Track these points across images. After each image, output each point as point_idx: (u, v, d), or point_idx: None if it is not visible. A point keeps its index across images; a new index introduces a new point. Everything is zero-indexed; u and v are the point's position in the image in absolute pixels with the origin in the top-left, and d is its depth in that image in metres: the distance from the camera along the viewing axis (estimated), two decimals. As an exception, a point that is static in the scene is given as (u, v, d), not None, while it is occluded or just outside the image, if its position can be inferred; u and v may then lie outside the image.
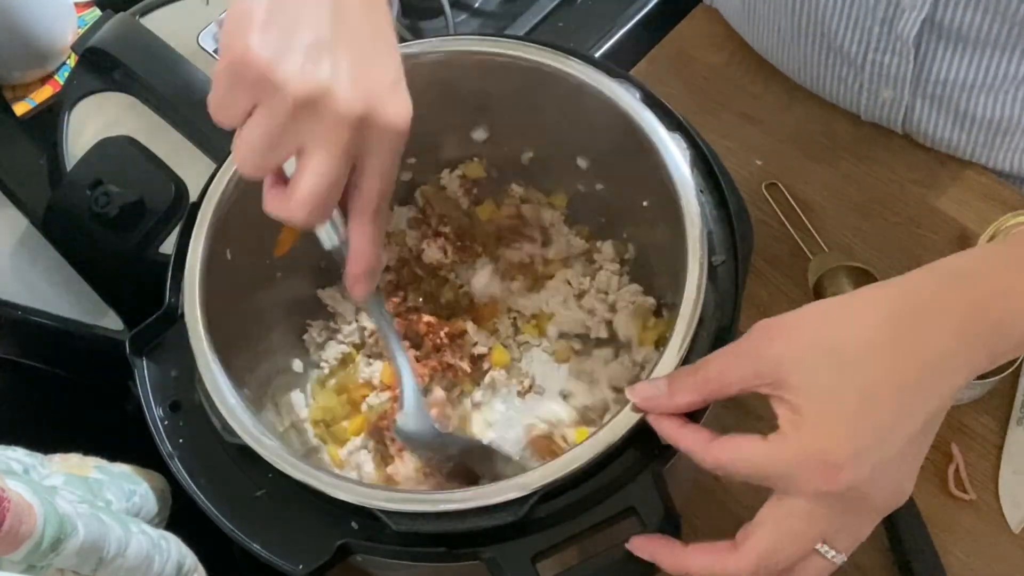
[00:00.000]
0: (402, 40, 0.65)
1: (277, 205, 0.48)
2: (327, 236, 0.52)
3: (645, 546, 0.48)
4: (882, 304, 0.45)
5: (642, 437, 0.50)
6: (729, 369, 0.47)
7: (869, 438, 0.43)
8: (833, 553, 0.46)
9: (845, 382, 0.44)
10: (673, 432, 0.49)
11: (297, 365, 0.70)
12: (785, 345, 0.45)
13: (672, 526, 0.49)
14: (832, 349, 0.44)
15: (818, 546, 0.45)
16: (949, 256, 0.47)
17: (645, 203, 0.66)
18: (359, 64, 0.47)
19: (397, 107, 0.48)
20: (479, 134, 0.70)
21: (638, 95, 0.61)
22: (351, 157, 0.47)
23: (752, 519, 0.46)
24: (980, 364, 0.45)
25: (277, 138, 0.46)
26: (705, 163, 0.60)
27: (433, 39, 0.66)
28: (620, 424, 0.50)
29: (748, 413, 0.61)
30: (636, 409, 0.50)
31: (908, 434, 0.44)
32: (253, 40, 0.44)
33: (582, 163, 0.70)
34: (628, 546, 0.49)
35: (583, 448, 0.50)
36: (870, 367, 0.44)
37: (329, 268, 0.73)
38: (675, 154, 0.58)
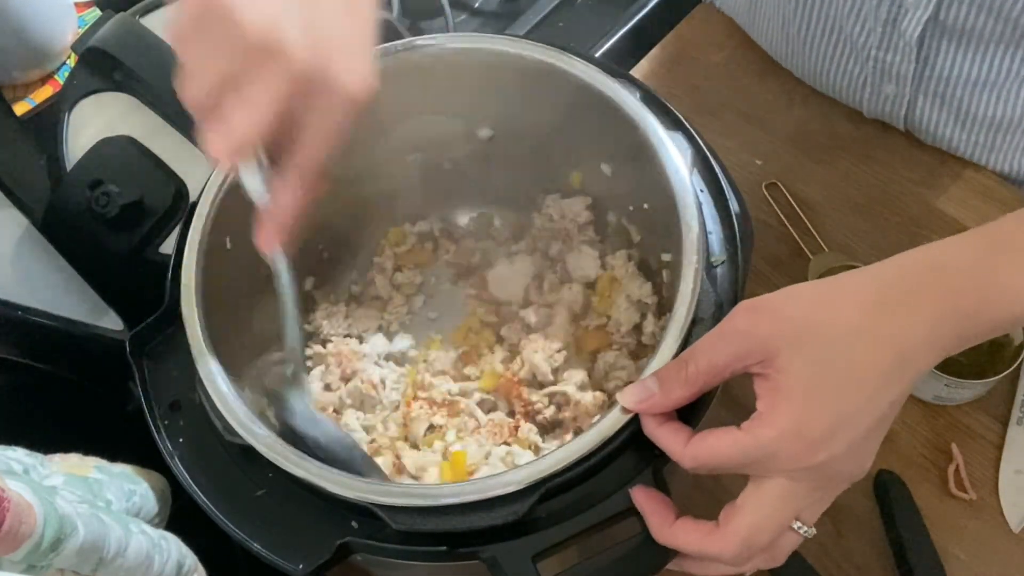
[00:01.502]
0: (401, 38, 0.65)
1: (205, 139, 0.48)
2: (252, 185, 0.51)
3: (643, 500, 0.49)
4: (865, 291, 0.47)
5: (642, 437, 0.50)
6: (718, 353, 0.48)
7: (845, 418, 0.45)
8: (805, 528, 0.48)
9: (828, 364, 0.45)
10: (654, 430, 0.50)
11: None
12: (774, 324, 0.46)
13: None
14: (819, 332, 0.46)
15: (793, 523, 0.48)
16: (931, 243, 0.48)
17: (646, 205, 0.66)
18: (325, 24, 0.47)
19: (353, 74, 0.48)
20: (484, 132, 0.70)
21: (638, 95, 0.61)
22: (286, 110, 0.47)
23: (735, 501, 0.48)
24: (949, 351, 0.47)
25: (224, 72, 0.46)
26: (705, 163, 0.60)
27: (438, 35, 0.66)
28: (618, 418, 0.50)
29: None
30: (627, 412, 0.50)
31: (878, 415, 0.46)
32: None
33: (585, 164, 0.70)
34: (631, 491, 0.50)
35: (583, 439, 0.50)
36: (852, 351, 0.45)
37: (325, 265, 0.74)
38: (674, 154, 0.58)
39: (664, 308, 0.68)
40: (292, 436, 0.56)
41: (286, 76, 0.46)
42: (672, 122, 0.60)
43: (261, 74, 0.46)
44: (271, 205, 0.51)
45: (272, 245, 0.52)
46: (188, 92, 0.47)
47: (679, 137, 0.59)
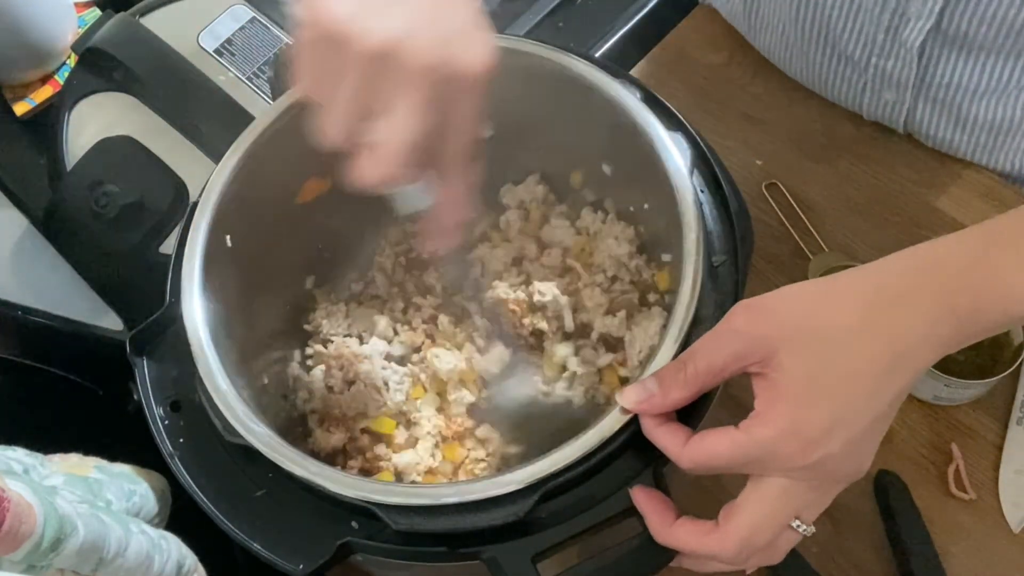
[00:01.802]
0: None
1: (359, 169, 0.47)
2: (411, 197, 0.51)
3: (643, 501, 0.49)
4: (862, 290, 0.47)
5: (642, 438, 0.50)
6: (716, 353, 0.48)
7: (842, 416, 0.45)
8: (804, 527, 0.48)
9: (826, 362, 0.45)
10: (653, 431, 0.50)
11: (296, 358, 0.70)
12: (772, 324, 0.47)
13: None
14: (816, 330, 0.46)
15: (792, 522, 0.48)
16: (928, 242, 0.48)
17: (647, 205, 0.66)
18: (433, 11, 0.47)
19: (472, 52, 0.47)
20: (484, 131, 0.70)
21: (638, 95, 0.61)
22: (434, 110, 0.46)
23: (734, 500, 0.48)
24: (947, 349, 0.47)
25: (359, 95, 0.46)
26: (706, 163, 0.60)
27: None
28: (617, 419, 0.50)
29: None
30: (626, 412, 0.50)
31: (876, 413, 0.46)
32: (329, 2, 0.45)
33: (586, 163, 0.70)
34: (630, 491, 0.50)
35: (583, 439, 0.50)
36: (849, 350, 0.46)
37: (325, 265, 0.73)
38: (675, 154, 0.58)
39: (647, 248, 0.69)
40: None
41: (417, 76, 0.45)
42: (672, 122, 0.60)
43: (393, 84, 0.45)
44: (443, 207, 0.52)
45: (450, 246, 0.54)
46: (330, 129, 0.46)
47: (679, 137, 0.59)
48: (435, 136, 0.48)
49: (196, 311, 0.56)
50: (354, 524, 0.51)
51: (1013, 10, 0.67)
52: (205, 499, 0.53)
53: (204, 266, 0.58)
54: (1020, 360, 0.69)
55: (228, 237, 0.61)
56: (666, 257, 0.65)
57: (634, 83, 0.62)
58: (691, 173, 0.58)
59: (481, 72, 0.48)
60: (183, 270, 0.58)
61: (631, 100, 0.60)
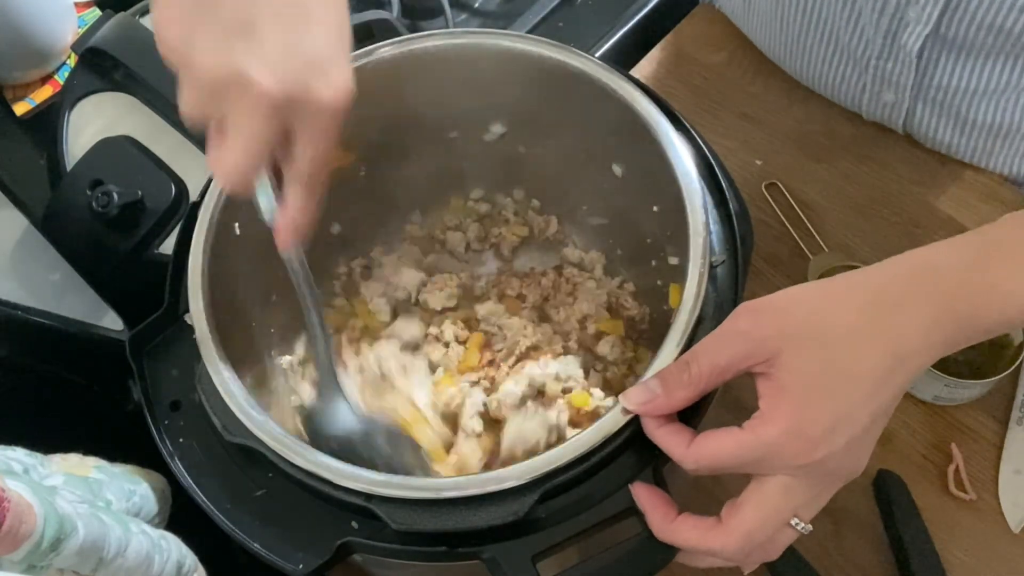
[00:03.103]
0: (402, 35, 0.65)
1: (211, 164, 0.50)
2: (262, 204, 0.53)
3: (643, 497, 0.50)
4: (863, 292, 0.48)
5: (642, 437, 0.50)
6: (720, 354, 0.48)
7: (844, 415, 0.46)
8: (802, 525, 0.48)
9: (828, 363, 0.46)
10: (655, 432, 0.50)
11: (299, 355, 0.70)
12: (776, 325, 0.47)
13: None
14: (819, 331, 0.46)
15: (791, 520, 0.48)
16: (927, 246, 0.49)
17: (656, 208, 0.66)
18: (284, 42, 0.48)
19: (328, 87, 0.48)
20: (497, 128, 0.70)
21: (642, 95, 0.61)
22: (275, 131, 0.48)
23: (737, 498, 0.48)
24: (946, 351, 0.48)
25: (202, 108, 0.49)
26: (706, 163, 0.60)
27: (455, 30, 0.67)
28: (618, 418, 0.50)
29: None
30: (627, 413, 0.50)
31: (875, 413, 0.47)
32: (171, 30, 0.48)
33: (597, 163, 0.70)
34: (631, 487, 0.50)
35: (583, 437, 0.50)
36: (851, 351, 0.46)
37: (329, 264, 0.74)
38: (684, 157, 0.58)
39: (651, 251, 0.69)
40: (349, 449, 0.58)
41: (262, 108, 0.47)
42: (673, 122, 0.60)
43: (239, 111, 0.47)
44: (282, 210, 0.53)
45: (288, 244, 0.54)
46: (186, 120, 0.50)
47: (680, 137, 0.59)
48: (282, 153, 0.50)
49: (200, 307, 0.56)
50: (354, 524, 0.51)
51: (1013, 15, 0.67)
52: (205, 499, 0.53)
53: (211, 259, 0.58)
54: (1020, 360, 0.69)
55: (236, 225, 0.61)
56: (673, 260, 0.65)
57: (636, 83, 0.62)
58: (698, 178, 0.58)
59: (332, 108, 0.49)
60: (184, 269, 0.58)
61: (643, 102, 0.60)
